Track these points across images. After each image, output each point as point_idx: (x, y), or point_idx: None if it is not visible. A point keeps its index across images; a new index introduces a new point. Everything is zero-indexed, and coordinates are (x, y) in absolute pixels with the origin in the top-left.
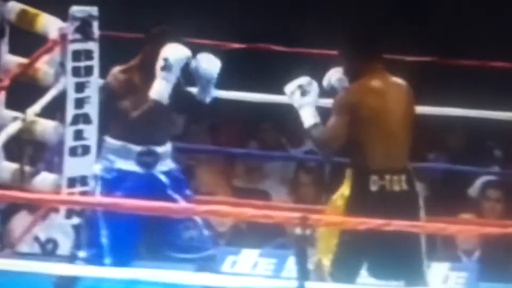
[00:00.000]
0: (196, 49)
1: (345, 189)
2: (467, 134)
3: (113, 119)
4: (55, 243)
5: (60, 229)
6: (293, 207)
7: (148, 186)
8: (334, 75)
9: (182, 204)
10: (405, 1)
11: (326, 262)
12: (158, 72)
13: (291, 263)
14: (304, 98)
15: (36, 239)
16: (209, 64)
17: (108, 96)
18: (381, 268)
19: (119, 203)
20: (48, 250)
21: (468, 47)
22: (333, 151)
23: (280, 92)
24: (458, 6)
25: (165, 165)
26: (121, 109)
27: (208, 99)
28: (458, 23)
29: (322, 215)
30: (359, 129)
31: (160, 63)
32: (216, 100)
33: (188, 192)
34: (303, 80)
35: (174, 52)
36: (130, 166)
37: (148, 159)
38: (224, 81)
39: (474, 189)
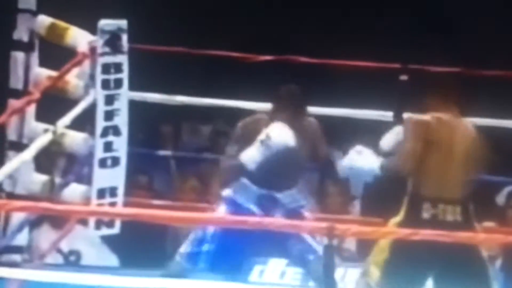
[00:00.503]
0: (222, 62)
1: (398, 217)
2: (493, 143)
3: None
4: (78, 254)
5: (87, 240)
6: (319, 218)
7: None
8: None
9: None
10: (430, 13)
11: (376, 271)
12: (257, 141)
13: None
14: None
15: (63, 251)
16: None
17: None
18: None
19: (148, 214)
20: (72, 261)
21: (493, 58)
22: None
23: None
24: (481, 18)
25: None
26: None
27: None
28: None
29: (349, 225)
30: (423, 153)
31: (262, 135)
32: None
33: None
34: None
35: (277, 134)
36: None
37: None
38: (251, 93)
39: (501, 197)
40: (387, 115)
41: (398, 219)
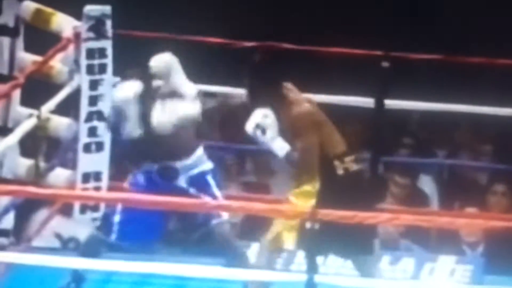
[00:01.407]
0: (207, 49)
1: (306, 188)
2: (472, 130)
3: None
4: (77, 241)
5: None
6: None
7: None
8: (259, 117)
9: (194, 200)
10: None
11: (290, 235)
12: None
13: (300, 257)
14: (266, 134)
15: (62, 237)
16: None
17: None
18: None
19: (132, 198)
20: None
21: (475, 45)
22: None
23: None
24: (464, 5)
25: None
26: None
27: None
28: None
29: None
30: (318, 130)
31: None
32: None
33: (214, 193)
34: (258, 117)
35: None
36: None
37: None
38: (237, 79)
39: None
40: (368, 101)
41: (311, 187)
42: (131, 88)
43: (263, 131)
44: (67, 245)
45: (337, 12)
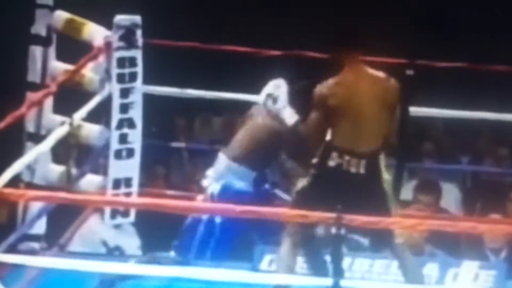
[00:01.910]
0: (230, 57)
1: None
2: (495, 136)
3: None
4: (121, 250)
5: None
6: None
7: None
8: (271, 87)
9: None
10: (436, 9)
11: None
12: None
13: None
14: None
15: (109, 245)
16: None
17: None
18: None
19: (162, 204)
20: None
21: (497, 53)
22: (316, 144)
23: None
24: (489, 14)
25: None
26: None
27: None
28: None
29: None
30: (330, 117)
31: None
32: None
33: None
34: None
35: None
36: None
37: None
38: (257, 86)
39: None
40: None
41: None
42: None
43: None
44: (112, 253)
45: (362, 20)
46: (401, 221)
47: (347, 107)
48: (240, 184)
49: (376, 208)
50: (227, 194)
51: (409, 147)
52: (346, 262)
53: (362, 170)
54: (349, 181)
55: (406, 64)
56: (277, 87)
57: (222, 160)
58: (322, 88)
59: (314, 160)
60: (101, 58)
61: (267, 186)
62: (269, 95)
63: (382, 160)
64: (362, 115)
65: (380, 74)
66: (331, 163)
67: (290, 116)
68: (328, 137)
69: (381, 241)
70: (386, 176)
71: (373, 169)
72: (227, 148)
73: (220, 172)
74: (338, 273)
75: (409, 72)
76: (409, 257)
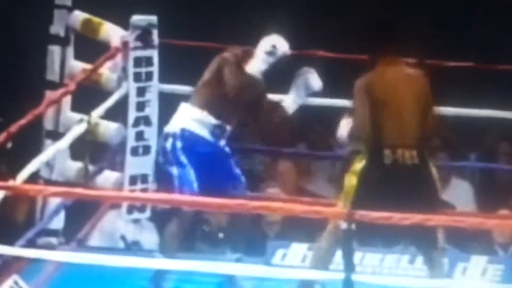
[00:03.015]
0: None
1: (357, 166)
2: (502, 134)
3: None
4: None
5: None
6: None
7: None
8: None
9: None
10: (445, 8)
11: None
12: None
13: (338, 256)
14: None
15: (127, 240)
16: (317, 80)
17: None
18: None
19: (176, 199)
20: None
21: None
22: (366, 135)
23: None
24: (495, 13)
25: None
26: None
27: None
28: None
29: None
30: (373, 110)
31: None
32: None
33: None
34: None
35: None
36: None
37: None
38: (276, 84)
39: None
40: None
41: (362, 165)
42: None
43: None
44: (131, 248)
45: (372, 19)
46: (411, 216)
47: (390, 101)
48: (200, 130)
49: (432, 197)
50: (186, 136)
51: None
52: (357, 256)
53: (416, 161)
54: (408, 173)
55: (415, 64)
56: (277, 45)
57: (184, 107)
58: (365, 81)
59: (359, 166)
60: (118, 58)
61: (223, 142)
62: (271, 53)
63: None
64: (403, 108)
65: (416, 71)
66: (387, 161)
67: (293, 103)
68: (371, 136)
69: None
70: (434, 167)
71: (424, 158)
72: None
73: (182, 117)
74: (350, 267)
75: None
76: (442, 264)
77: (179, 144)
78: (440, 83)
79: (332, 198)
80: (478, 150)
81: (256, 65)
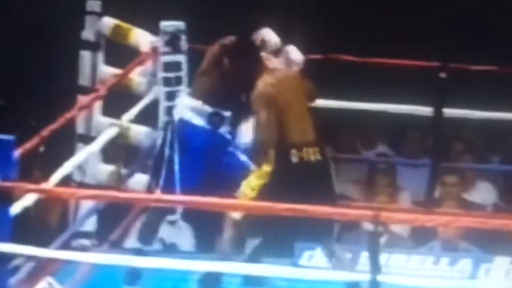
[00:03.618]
0: None
1: (264, 169)
2: None
3: None
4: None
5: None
6: (365, 206)
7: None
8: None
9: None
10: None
11: (251, 193)
12: None
13: (364, 257)
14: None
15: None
16: (299, 54)
17: None
18: None
19: (206, 202)
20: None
21: None
22: (271, 142)
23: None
24: None
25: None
26: None
27: None
28: None
29: (393, 212)
30: (276, 115)
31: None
32: None
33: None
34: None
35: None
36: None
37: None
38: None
39: None
40: (425, 110)
41: (269, 168)
42: None
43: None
44: (169, 250)
45: (396, 24)
46: (437, 218)
47: (288, 104)
48: (196, 120)
49: (330, 190)
50: (183, 127)
51: (443, 147)
52: (383, 257)
53: (318, 157)
54: (312, 170)
55: (439, 67)
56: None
57: (182, 97)
58: (261, 91)
59: (269, 166)
60: (148, 63)
61: (224, 129)
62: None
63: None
64: (300, 108)
65: (292, 72)
66: (294, 159)
67: (298, 54)
68: (275, 139)
69: None
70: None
71: (325, 154)
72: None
73: (179, 107)
74: (376, 268)
75: (442, 75)
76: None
77: (177, 135)
78: (464, 87)
79: (356, 200)
80: (502, 152)
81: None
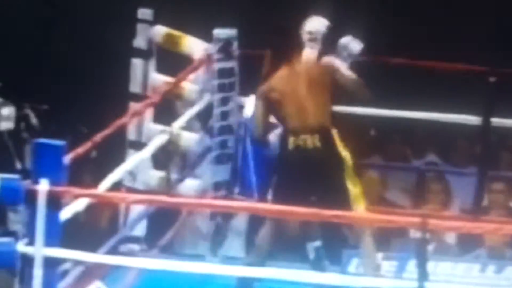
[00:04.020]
0: None
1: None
2: None
3: None
4: None
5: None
6: (413, 213)
7: None
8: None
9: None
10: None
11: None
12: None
13: (412, 265)
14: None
15: None
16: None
17: None
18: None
19: (255, 207)
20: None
21: None
22: (262, 129)
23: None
24: None
25: None
26: None
27: None
28: None
29: (440, 220)
30: (276, 106)
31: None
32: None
33: None
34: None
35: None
36: None
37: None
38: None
39: None
40: (474, 119)
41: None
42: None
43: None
44: (217, 255)
45: (444, 29)
46: (484, 225)
47: (289, 95)
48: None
49: (335, 175)
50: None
51: (491, 156)
52: (430, 265)
53: (318, 144)
54: (308, 157)
55: (489, 72)
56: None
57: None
58: (265, 86)
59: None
60: (201, 70)
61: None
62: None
63: (336, 135)
64: (302, 99)
65: (312, 58)
66: (291, 146)
67: (357, 44)
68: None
69: None
70: (344, 151)
71: (327, 141)
72: None
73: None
74: (423, 276)
75: (492, 79)
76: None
77: (248, 133)
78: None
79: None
80: None
81: (306, 54)
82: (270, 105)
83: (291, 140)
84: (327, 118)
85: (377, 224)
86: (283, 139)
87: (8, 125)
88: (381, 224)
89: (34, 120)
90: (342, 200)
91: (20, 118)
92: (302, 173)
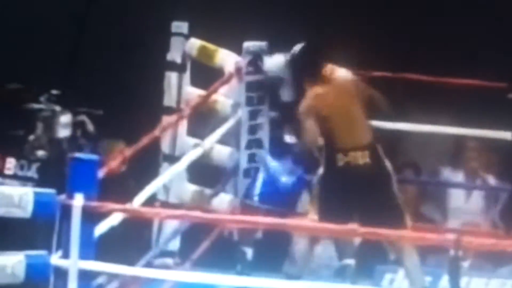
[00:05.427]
0: None
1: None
2: None
3: None
4: None
5: None
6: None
7: None
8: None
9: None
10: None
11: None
12: None
13: (444, 281)
14: None
15: None
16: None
17: None
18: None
19: (289, 224)
20: None
21: None
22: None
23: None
24: None
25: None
26: None
27: None
28: None
29: (475, 237)
30: (322, 122)
31: None
32: None
33: None
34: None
35: None
36: None
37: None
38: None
39: None
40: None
41: (321, 172)
42: None
43: None
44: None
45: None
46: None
47: (335, 111)
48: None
49: (387, 191)
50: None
51: None
52: (463, 281)
53: (368, 160)
54: (359, 173)
55: (507, 88)
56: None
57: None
58: (309, 101)
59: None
60: (234, 83)
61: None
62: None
63: (380, 149)
64: (349, 115)
65: (345, 75)
66: (340, 163)
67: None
68: (324, 145)
69: None
70: (390, 166)
71: (376, 156)
72: None
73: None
74: None
75: (511, 95)
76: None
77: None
78: None
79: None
80: None
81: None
82: (320, 118)
83: (339, 157)
84: (372, 133)
85: (411, 242)
86: (328, 156)
87: (66, 132)
88: (415, 242)
89: (89, 126)
90: (394, 215)
91: (77, 124)
92: (354, 190)
